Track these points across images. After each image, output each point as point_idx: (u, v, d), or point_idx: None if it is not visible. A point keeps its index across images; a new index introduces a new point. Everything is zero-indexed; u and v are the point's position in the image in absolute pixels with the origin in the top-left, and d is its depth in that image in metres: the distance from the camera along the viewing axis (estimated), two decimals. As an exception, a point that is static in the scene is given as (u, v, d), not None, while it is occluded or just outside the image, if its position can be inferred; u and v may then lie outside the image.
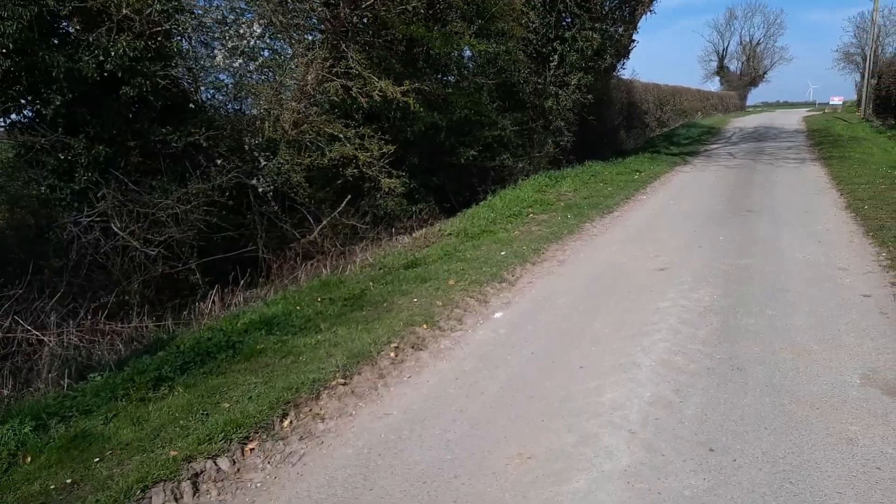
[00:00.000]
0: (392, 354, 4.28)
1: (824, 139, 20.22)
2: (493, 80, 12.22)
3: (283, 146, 8.57)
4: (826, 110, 43.63)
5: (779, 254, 6.65)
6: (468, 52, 13.00)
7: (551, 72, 13.41)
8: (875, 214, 8.32)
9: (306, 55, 8.91)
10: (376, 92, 8.91)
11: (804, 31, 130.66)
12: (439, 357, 4.33)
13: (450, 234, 8.90)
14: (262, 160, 8.60)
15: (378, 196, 10.28)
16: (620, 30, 14.73)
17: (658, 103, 33.39)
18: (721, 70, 71.63)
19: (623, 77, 23.60)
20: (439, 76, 11.69)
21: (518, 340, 4.58)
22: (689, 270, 6.21)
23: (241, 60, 8.44)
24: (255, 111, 8.92)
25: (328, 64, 8.93)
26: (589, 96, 13.62)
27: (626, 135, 25.34)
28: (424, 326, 4.80)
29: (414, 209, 11.46)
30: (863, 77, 50.67)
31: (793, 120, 34.82)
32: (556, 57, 13.23)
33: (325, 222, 9.46)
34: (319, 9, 8.87)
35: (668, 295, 5.44)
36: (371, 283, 6.30)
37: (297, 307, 5.59)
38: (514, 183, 12.54)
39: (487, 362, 4.21)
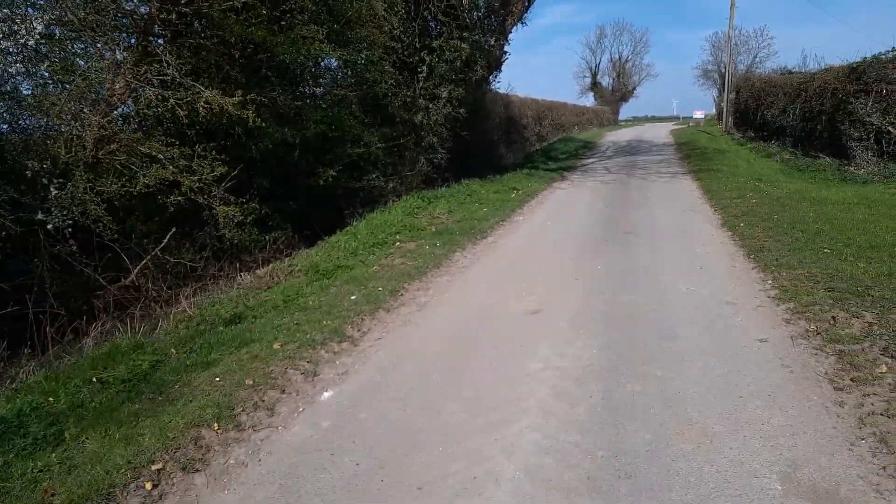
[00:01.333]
0: (148, 487, 2.91)
1: (692, 152, 20.89)
2: (355, 91, 11.03)
3: (80, 171, 6.84)
4: (690, 124, 46.55)
5: (661, 287, 5.94)
6: (331, 62, 11.76)
7: (420, 84, 12.45)
8: (752, 233, 7.97)
9: (112, 58, 7.24)
10: (201, 103, 7.41)
11: (667, 49, 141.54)
12: (220, 483, 3.01)
13: (299, 270, 7.56)
14: (52, 189, 6.81)
15: (221, 226, 8.72)
16: (492, 41, 14.12)
17: (537, 118, 33.76)
18: (595, 86, 75.17)
19: (500, 91, 23.33)
20: (293, 87, 10.31)
21: (343, 441, 3.36)
22: (565, 313, 5.30)
23: (18, 65, 6.64)
24: (42, 128, 7.12)
25: (142, 70, 7.31)
26: (462, 110, 12.80)
27: (507, 150, 25.09)
28: (215, 427, 3.45)
29: (267, 238, 9.98)
30: (721, 92, 54.85)
31: (661, 133, 36.58)
32: (424, 68, 12.29)
33: (145, 261, 7.78)
34: (127, 3, 7.26)
35: (541, 351, 4.46)
36: (174, 350, 4.85)
37: (51, 398, 4.03)
38: (385, 205, 11.39)
39: (290, 488, 2.96)
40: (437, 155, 12.90)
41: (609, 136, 37.83)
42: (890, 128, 12.16)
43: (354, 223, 10.15)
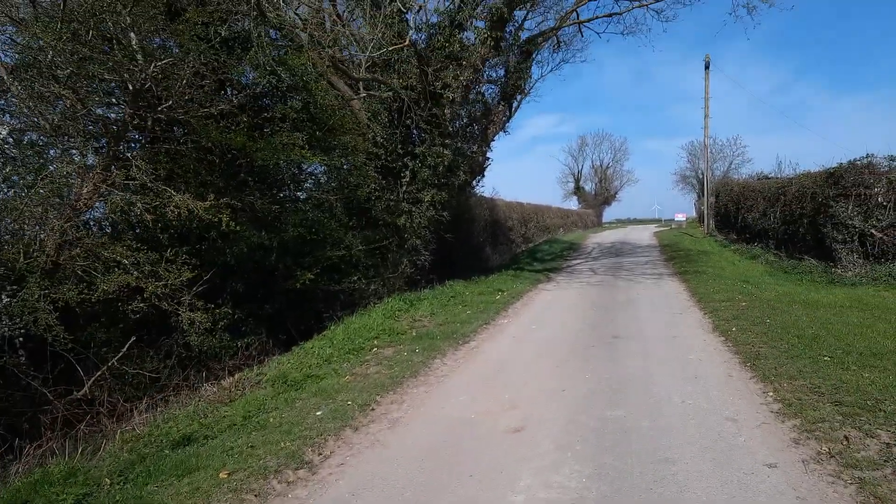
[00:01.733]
0: None
1: (676, 253, 20.94)
2: (337, 195, 10.97)
3: (35, 277, 6.46)
4: (673, 226, 47.47)
5: (654, 399, 5.48)
6: (315, 167, 11.80)
7: (403, 188, 12.47)
8: (745, 338, 7.61)
9: (81, 162, 7.09)
10: (171, 207, 7.19)
11: (646, 155, 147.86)
12: None
13: (267, 380, 7.02)
14: (3, 297, 6.40)
15: (186, 333, 8.24)
16: (474, 147, 14.38)
17: (522, 220, 34.25)
18: (578, 190, 77.50)
19: (485, 195, 23.72)
20: (272, 191, 10.22)
21: None
22: (550, 430, 4.80)
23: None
24: (2, 232, 6.81)
25: (111, 174, 7.14)
26: (445, 213, 12.76)
27: (493, 251, 25.13)
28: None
29: (239, 345, 9.47)
30: (700, 196, 56.53)
31: (644, 236, 37.11)
32: (407, 173, 12.36)
33: (100, 371, 7.23)
34: (98, 110, 7.21)
35: (523, 479, 3.93)
36: (108, 480, 4.26)
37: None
38: (366, 307, 10.99)
39: None
40: (421, 257, 12.70)
41: (593, 237, 38.32)
42: (874, 231, 12.19)
43: (332, 327, 9.71)
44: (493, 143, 16.66)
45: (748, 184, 22.74)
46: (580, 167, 79.21)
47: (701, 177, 66.00)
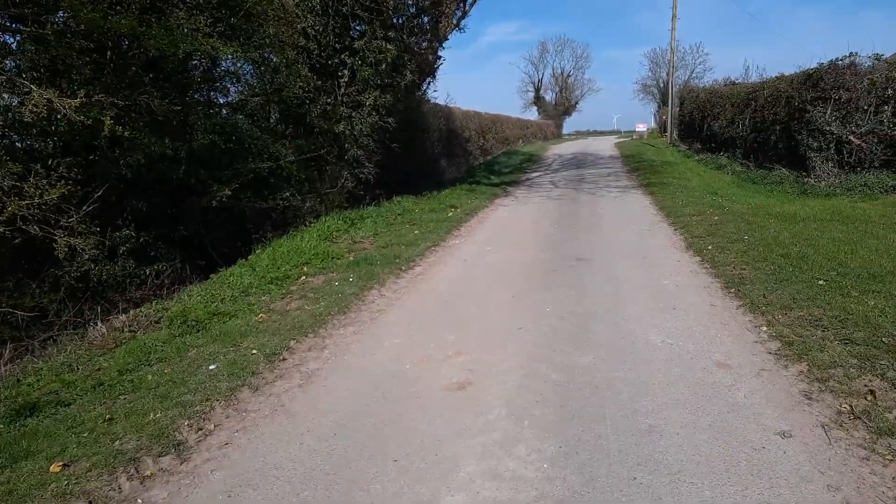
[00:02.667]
0: None
1: (640, 164, 19.99)
2: (261, 97, 9.37)
3: None
4: (634, 137, 46.53)
5: (628, 339, 4.52)
6: (238, 65, 10.04)
7: (342, 90, 10.89)
8: (724, 258, 6.71)
9: None
10: (29, 107, 5.62)
11: (608, 65, 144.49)
12: None
13: (167, 318, 5.82)
14: None
15: (69, 262, 6.87)
16: (423, 44, 12.70)
17: (480, 131, 32.65)
18: (538, 100, 75.35)
19: (439, 103, 22.02)
20: (179, 91, 8.54)
21: None
22: (503, 387, 3.79)
23: None
24: None
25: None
26: (390, 119, 11.28)
27: (448, 164, 23.74)
28: None
29: (148, 272, 8.17)
30: (661, 105, 55.34)
31: (606, 146, 36.04)
32: (345, 72, 10.74)
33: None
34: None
35: (464, 466, 2.93)
36: None
37: None
38: (299, 228, 9.71)
39: None
40: (364, 169, 11.31)
41: (554, 149, 37.09)
42: (852, 137, 11.33)
43: (258, 251, 8.44)
44: (446, 42, 14.94)
45: (715, 90, 21.62)
46: (541, 75, 76.66)
47: (662, 86, 64.68)
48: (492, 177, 18.64)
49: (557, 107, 74.40)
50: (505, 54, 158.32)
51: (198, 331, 5.34)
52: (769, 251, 6.83)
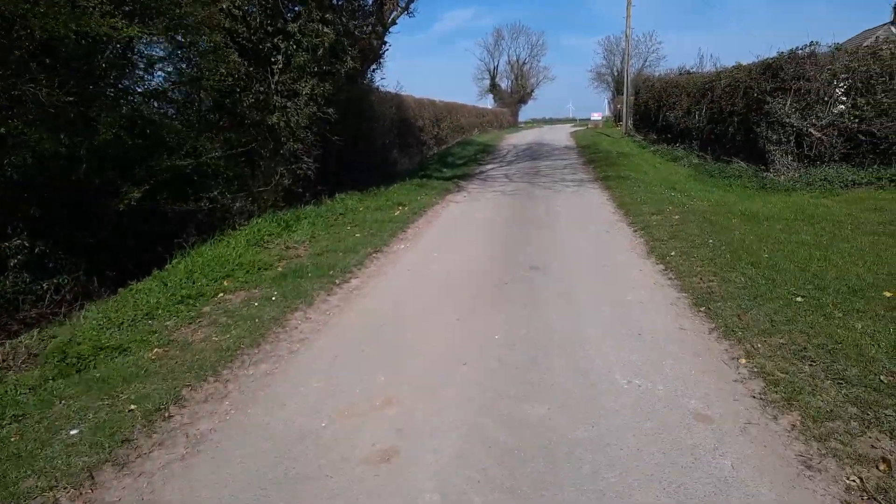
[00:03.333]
0: None
1: (596, 156, 19.52)
2: (177, 85, 8.33)
3: None
4: (589, 126, 46.42)
5: (589, 381, 3.82)
6: (154, 50, 8.92)
7: (276, 77, 9.89)
8: (690, 268, 6.13)
9: None
10: None
11: (563, 53, 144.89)
12: None
13: (44, 355, 4.86)
14: None
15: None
16: (367, 28, 11.76)
17: (434, 120, 31.75)
18: (494, 88, 74.80)
19: (389, 90, 21.08)
20: (79, 79, 7.42)
21: None
22: (436, 460, 3.04)
23: None
24: None
25: None
26: (330, 110, 10.34)
27: (401, 155, 22.83)
28: None
29: (45, 287, 7.13)
30: (616, 94, 55.44)
31: (561, 136, 35.64)
32: (279, 58, 9.74)
33: None
34: None
35: None
36: None
37: None
38: (225, 232, 8.74)
39: None
40: (303, 165, 10.36)
41: (509, 138, 36.49)
42: (812, 130, 10.97)
43: (174, 261, 7.47)
44: (394, 28, 14.02)
45: (671, 79, 21.30)
46: (496, 63, 76.11)
47: (616, 74, 64.93)
48: (444, 170, 17.86)
49: (513, 94, 74.00)
50: (462, 40, 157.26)
51: (77, 371, 4.42)
52: (737, 258, 6.28)
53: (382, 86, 16.20)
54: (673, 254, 6.77)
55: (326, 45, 9.44)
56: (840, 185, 10.57)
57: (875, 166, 10.69)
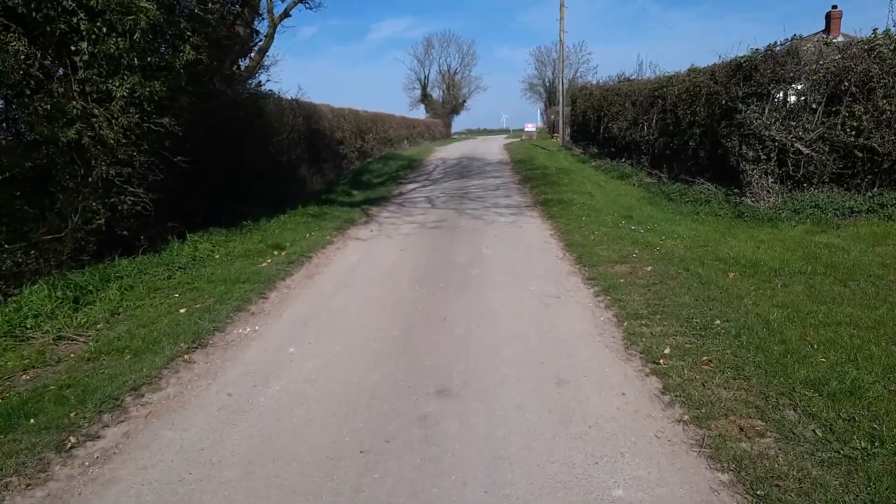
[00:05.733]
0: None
1: (532, 173, 17.09)
2: None
3: None
4: (523, 137, 44.52)
5: None
6: None
7: (81, 73, 6.79)
8: (706, 393, 3.55)
9: None
10: None
11: (496, 63, 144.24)
12: None
13: None
14: None
15: None
16: (233, 9, 8.75)
17: (357, 132, 28.75)
18: (425, 98, 72.62)
19: (298, 99, 18.08)
20: None
21: None
22: None
23: None
24: None
25: None
26: (169, 120, 7.29)
27: (313, 172, 19.73)
28: None
29: None
30: (549, 105, 54.08)
31: (494, 149, 33.26)
32: (83, 46, 6.65)
33: None
34: None
35: None
36: None
37: None
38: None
39: None
40: (127, 197, 7.25)
41: (439, 151, 33.82)
42: (799, 145, 8.77)
43: None
44: (286, 19, 11.07)
45: (612, 87, 19.24)
46: (427, 72, 73.90)
47: (549, 84, 63.81)
48: (354, 192, 14.93)
49: (445, 105, 71.94)
50: (397, 50, 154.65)
51: None
52: (780, 368, 3.75)
53: (269, 89, 13.10)
54: (667, 352, 4.17)
55: (143, 25, 6.43)
56: (835, 214, 8.40)
57: (875, 189, 8.60)
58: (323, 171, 20.95)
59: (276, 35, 12.55)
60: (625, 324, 4.84)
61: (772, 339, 4.20)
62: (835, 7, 25.64)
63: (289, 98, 17.55)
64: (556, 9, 22.81)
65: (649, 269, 6.42)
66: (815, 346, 4.01)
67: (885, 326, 4.30)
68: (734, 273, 6.05)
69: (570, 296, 5.75)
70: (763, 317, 4.67)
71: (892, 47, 8.25)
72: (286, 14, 11.54)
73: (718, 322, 4.63)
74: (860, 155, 8.52)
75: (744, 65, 9.60)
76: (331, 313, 5.65)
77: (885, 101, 8.20)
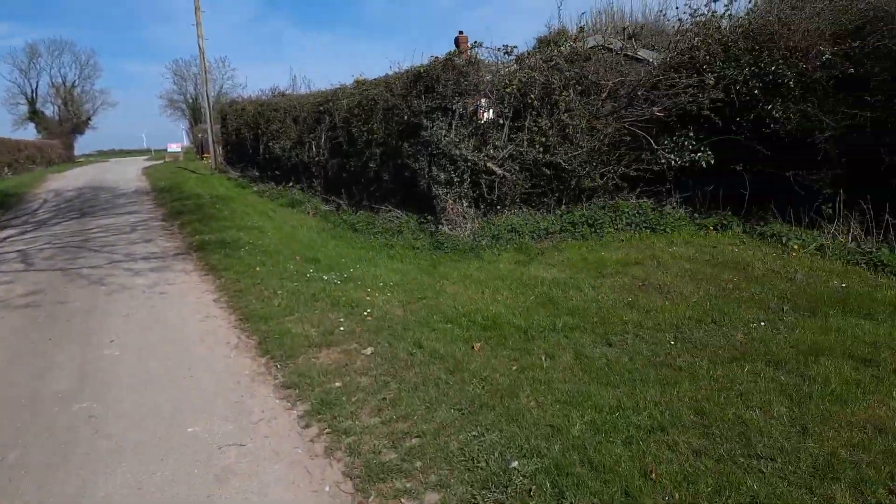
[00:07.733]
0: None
1: (182, 205, 13.71)
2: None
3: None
4: (167, 159, 39.00)
5: None
6: None
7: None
8: None
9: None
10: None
11: (125, 78, 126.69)
12: None
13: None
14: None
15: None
16: None
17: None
18: (35, 115, 59.36)
19: None
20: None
21: None
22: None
23: None
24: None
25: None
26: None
27: None
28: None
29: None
30: (195, 123, 48.81)
31: (131, 174, 27.72)
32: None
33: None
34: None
35: None
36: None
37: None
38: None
39: None
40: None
41: (53, 181, 26.55)
42: (491, 164, 7.91)
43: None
44: None
45: (268, 102, 16.97)
46: (35, 85, 60.41)
47: (191, 100, 58.02)
48: None
49: (64, 123, 59.82)
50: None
51: None
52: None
53: None
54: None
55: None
56: (531, 237, 7.79)
57: (563, 207, 8.27)
58: None
59: None
60: (371, 497, 2.70)
61: (609, 490, 2.57)
62: (461, 32, 28.12)
63: None
64: (189, 23, 19.59)
65: (368, 352, 4.45)
66: (676, 494, 2.50)
67: (715, 425, 3.07)
68: (480, 343, 4.48)
69: (262, 437, 3.37)
70: (566, 434, 3.07)
71: (568, 58, 7.94)
72: None
73: (516, 466, 2.85)
74: (548, 172, 8.06)
75: (423, 74, 8.43)
76: None
77: (566, 114, 7.83)
